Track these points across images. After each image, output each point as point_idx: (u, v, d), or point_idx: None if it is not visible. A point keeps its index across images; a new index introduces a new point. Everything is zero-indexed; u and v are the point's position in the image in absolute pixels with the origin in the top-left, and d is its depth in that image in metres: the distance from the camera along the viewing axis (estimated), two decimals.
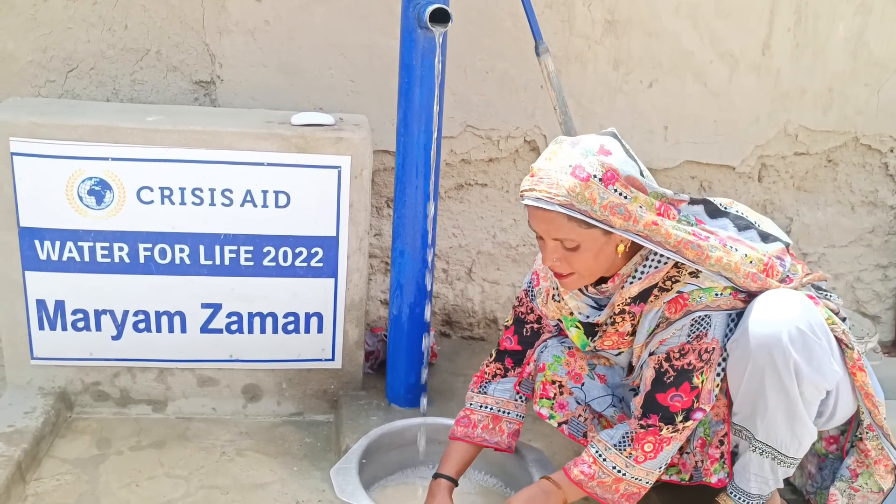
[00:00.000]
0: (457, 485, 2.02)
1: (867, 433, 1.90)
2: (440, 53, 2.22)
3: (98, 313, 2.42)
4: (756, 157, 3.31)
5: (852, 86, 3.30)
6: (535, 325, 2.07)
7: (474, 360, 3.00)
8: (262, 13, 2.72)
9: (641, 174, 1.71)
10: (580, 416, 2.03)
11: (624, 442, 1.81)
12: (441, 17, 2.08)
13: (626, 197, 1.66)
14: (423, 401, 2.37)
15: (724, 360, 1.82)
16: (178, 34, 2.69)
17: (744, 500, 1.91)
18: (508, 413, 2.07)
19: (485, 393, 2.09)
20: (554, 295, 1.96)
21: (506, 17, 2.87)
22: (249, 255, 2.42)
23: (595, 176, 1.64)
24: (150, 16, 2.65)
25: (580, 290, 1.88)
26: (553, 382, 2.02)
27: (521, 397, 2.09)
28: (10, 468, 2.08)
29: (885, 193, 3.50)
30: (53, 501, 2.11)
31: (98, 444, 2.38)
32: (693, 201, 1.88)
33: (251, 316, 2.49)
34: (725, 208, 1.93)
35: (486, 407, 2.07)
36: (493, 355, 2.12)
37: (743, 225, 1.91)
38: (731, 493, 1.92)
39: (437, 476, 2.02)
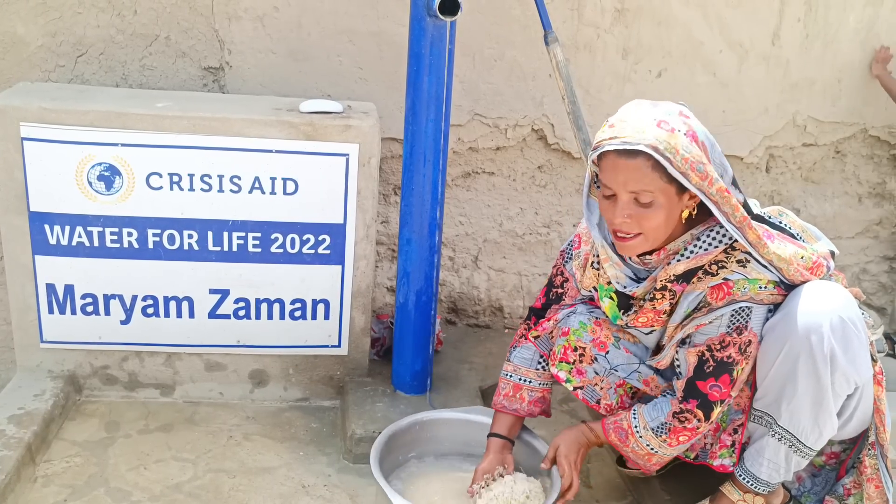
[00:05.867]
0: (512, 442, 2.13)
1: (869, 451, 1.92)
2: (449, 42, 2.22)
3: (107, 298, 2.44)
4: (764, 148, 3.31)
5: (862, 77, 3.30)
6: (559, 290, 2.13)
7: (480, 348, 3.02)
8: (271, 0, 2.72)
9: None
10: (596, 384, 2.06)
11: (662, 429, 1.90)
12: (450, 6, 2.08)
13: (704, 159, 1.70)
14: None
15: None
16: (187, 20, 2.70)
17: (752, 484, 1.91)
18: (530, 381, 2.14)
19: (509, 360, 2.18)
20: (593, 262, 1.98)
21: (515, 5, 2.87)
22: (257, 242, 2.44)
23: (679, 130, 1.68)
24: (160, 1, 2.66)
25: (622, 259, 1.90)
26: (575, 349, 2.04)
27: (541, 365, 2.15)
28: (21, 450, 2.11)
29: (893, 185, 3.50)
30: (63, 483, 2.13)
31: (107, 427, 2.40)
32: (745, 206, 1.85)
33: (258, 302, 2.51)
34: (769, 217, 1.94)
35: (507, 374, 2.16)
36: (527, 313, 2.23)
37: (787, 234, 1.92)
38: (740, 475, 1.93)
39: (489, 435, 2.13)
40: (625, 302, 1.94)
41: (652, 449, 1.92)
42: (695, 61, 3.10)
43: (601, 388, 2.05)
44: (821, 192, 3.47)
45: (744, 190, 3.29)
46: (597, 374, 2.04)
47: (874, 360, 1.86)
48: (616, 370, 2.03)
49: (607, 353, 2.03)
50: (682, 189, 1.72)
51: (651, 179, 1.69)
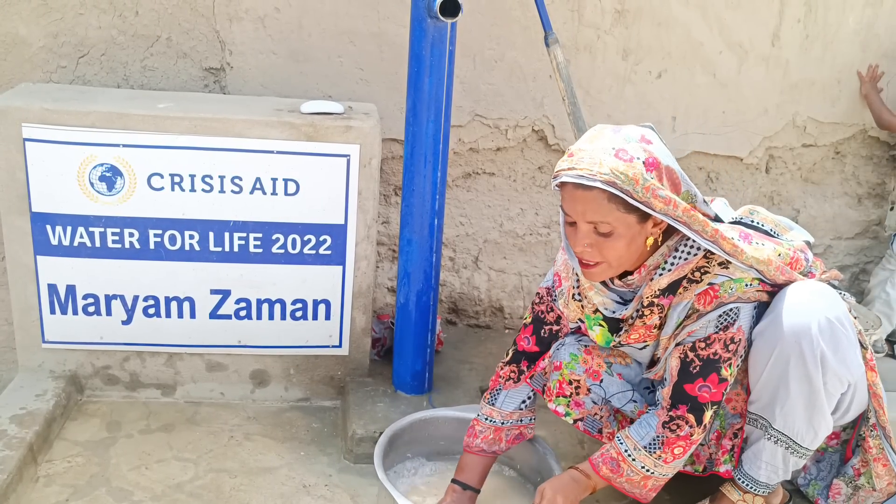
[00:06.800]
0: (477, 492, 2.03)
1: (871, 431, 1.93)
2: (450, 43, 2.23)
3: (108, 298, 2.44)
4: (764, 149, 3.31)
5: None
6: (555, 327, 2.04)
7: (480, 348, 3.03)
8: (272, 0, 2.73)
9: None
10: (596, 414, 2.03)
11: (654, 445, 1.81)
12: (451, 7, 2.09)
13: (664, 185, 1.66)
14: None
15: (745, 351, 1.83)
16: (188, 21, 2.70)
17: (751, 487, 1.92)
18: (510, 423, 2.07)
19: (493, 404, 2.08)
20: (574, 294, 1.94)
21: (515, 6, 2.87)
22: (258, 242, 2.44)
23: (638, 159, 1.64)
24: (161, 2, 2.66)
25: (605, 284, 1.87)
26: (570, 382, 2.01)
27: (525, 404, 2.08)
28: (23, 450, 2.11)
29: (893, 185, 3.50)
30: (64, 483, 2.14)
31: (108, 427, 2.41)
32: (716, 219, 1.86)
33: (259, 302, 2.52)
34: (742, 219, 1.94)
35: (490, 420, 2.07)
36: (510, 355, 2.10)
37: (761, 232, 1.93)
38: (739, 479, 1.93)
39: (453, 481, 2.04)
40: (615, 325, 1.91)
41: (647, 470, 1.82)
42: (695, 62, 3.11)
43: (601, 418, 2.03)
44: (821, 192, 3.47)
45: (743, 191, 3.33)
46: (595, 403, 2.02)
47: (864, 348, 1.85)
48: (610, 400, 2.01)
49: (601, 381, 2.01)
50: (644, 217, 1.69)
51: (608, 210, 1.65)
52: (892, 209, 3.35)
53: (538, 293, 2.06)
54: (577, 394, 2.01)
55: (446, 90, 2.28)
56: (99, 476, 2.18)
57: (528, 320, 2.08)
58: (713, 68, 3.13)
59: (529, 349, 2.07)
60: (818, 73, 3.25)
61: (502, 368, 2.10)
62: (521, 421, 2.08)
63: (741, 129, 3.24)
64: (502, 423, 2.06)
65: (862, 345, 1.84)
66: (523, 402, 2.08)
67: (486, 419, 2.07)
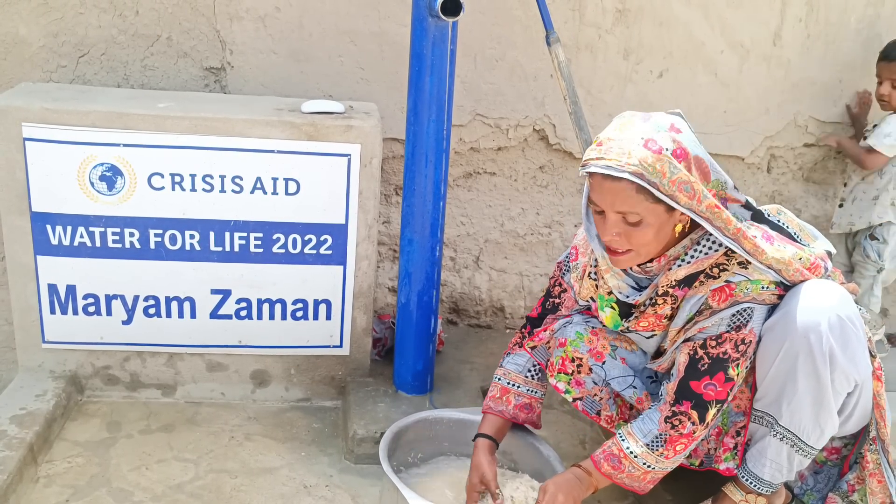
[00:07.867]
0: (497, 443, 2.07)
1: (870, 446, 1.92)
2: (451, 42, 2.22)
3: (109, 298, 2.44)
4: (765, 148, 3.31)
5: (863, 77, 3.29)
6: (556, 300, 2.10)
7: (481, 348, 3.02)
8: (272, 0, 2.72)
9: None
10: (596, 395, 2.05)
11: (657, 442, 1.82)
12: (452, 7, 2.09)
13: (692, 176, 1.68)
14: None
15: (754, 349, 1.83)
16: (188, 20, 2.70)
17: (755, 485, 1.91)
18: (517, 386, 2.11)
19: (502, 365, 2.16)
20: (590, 273, 1.96)
21: (516, 6, 2.87)
22: (259, 242, 2.44)
23: (667, 150, 1.65)
24: (161, 2, 2.66)
25: (623, 269, 1.88)
26: (573, 360, 2.03)
27: (531, 373, 2.12)
28: (23, 450, 2.11)
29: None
30: (65, 483, 2.13)
31: (108, 428, 2.40)
32: (747, 205, 1.86)
33: (260, 302, 2.51)
34: (769, 215, 1.94)
35: (497, 378, 2.15)
36: (523, 323, 2.20)
37: (785, 234, 1.92)
38: (743, 476, 1.92)
39: (476, 436, 2.09)
40: (626, 310, 1.93)
41: (648, 466, 1.83)
42: (696, 62, 3.10)
43: (601, 399, 2.04)
44: (822, 192, 3.47)
45: (745, 191, 3.32)
46: (595, 384, 2.03)
47: (873, 356, 1.86)
48: (610, 382, 2.02)
49: (604, 363, 2.02)
50: (672, 206, 1.70)
51: (637, 201, 1.67)
52: (840, 206, 3.30)
53: (558, 265, 2.13)
54: (579, 372, 2.03)
55: (447, 89, 2.27)
56: (99, 476, 2.17)
57: (544, 292, 2.16)
58: (714, 68, 3.12)
59: (532, 315, 2.16)
60: (820, 72, 3.24)
61: (516, 335, 2.19)
62: (533, 392, 2.12)
63: (742, 129, 3.24)
64: (508, 384, 2.12)
65: (872, 354, 1.84)
66: (529, 371, 2.13)
67: (496, 378, 2.15)
